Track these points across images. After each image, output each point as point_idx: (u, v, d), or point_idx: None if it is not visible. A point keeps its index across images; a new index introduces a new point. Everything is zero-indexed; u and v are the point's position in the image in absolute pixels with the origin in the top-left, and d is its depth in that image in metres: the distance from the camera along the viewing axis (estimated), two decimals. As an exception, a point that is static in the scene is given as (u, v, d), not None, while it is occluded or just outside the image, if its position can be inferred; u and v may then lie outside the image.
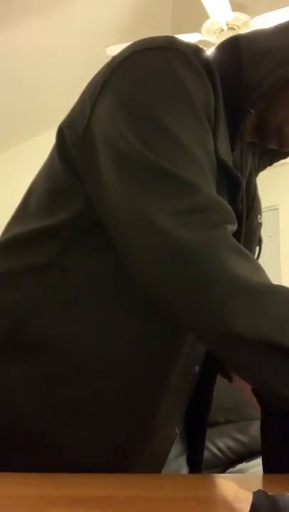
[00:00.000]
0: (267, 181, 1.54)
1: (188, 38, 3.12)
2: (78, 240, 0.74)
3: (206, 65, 0.73)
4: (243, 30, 3.17)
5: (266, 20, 3.03)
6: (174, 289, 0.63)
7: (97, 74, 0.76)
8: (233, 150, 0.79)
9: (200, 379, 0.86)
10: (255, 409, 0.83)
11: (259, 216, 0.91)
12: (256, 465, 1.37)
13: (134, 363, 0.74)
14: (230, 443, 1.50)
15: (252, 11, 3.20)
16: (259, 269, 0.65)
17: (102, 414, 0.73)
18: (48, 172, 0.79)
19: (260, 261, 0.73)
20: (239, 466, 1.45)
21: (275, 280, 0.67)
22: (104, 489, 0.63)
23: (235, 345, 0.61)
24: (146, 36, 0.76)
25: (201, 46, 0.76)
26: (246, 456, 1.48)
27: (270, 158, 0.93)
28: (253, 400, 0.82)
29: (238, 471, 1.42)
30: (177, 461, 0.91)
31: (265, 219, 0.95)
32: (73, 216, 0.73)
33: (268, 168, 0.96)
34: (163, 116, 0.68)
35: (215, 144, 0.72)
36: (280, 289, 0.63)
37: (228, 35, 3.11)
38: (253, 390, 0.81)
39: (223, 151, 0.73)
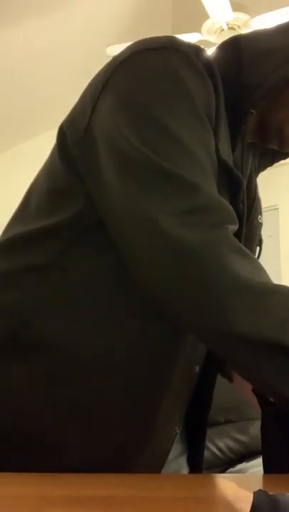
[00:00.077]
0: (267, 181, 1.54)
1: (188, 38, 3.12)
2: (78, 239, 0.74)
3: (207, 65, 0.73)
4: (243, 30, 3.18)
5: (266, 20, 3.03)
6: (175, 288, 0.63)
7: (98, 74, 0.76)
8: (233, 150, 0.79)
9: (200, 379, 0.86)
10: (255, 409, 0.83)
11: (259, 216, 0.91)
12: (256, 465, 1.38)
13: (134, 363, 0.74)
14: (231, 443, 1.50)
15: (252, 11, 3.20)
16: (260, 269, 0.65)
17: (102, 414, 0.73)
18: (48, 172, 0.79)
19: (261, 261, 0.73)
20: (239, 466, 1.45)
21: (275, 280, 0.67)
22: (104, 489, 0.63)
23: (236, 345, 0.61)
24: (147, 36, 0.76)
25: (201, 46, 0.76)
26: (246, 456, 1.48)
27: (270, 159, 0.93)
28: (253, 399, 0.82)
29: (238, 471, 1.42)
30: (177, 461, 0.91)
31: (265, 219, 0.95)
32: (73, 216, 0.73)
33: (268, 169, 0.96)
34: (164, 116, 0.68)
35: (216, 144, 0.72)
36: (281, 289, 0.62)
37: (228, 35, 3.11)
38: (254, 390, 0.81)
39: (224, 151, 0.73)
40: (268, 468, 0.78)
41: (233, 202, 0.74)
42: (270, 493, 0.48)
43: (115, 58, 0.75)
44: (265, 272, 0.66)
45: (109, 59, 0.76)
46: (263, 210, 0.94)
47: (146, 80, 0.71)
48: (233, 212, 0.68)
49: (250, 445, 1.48)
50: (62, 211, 0.74)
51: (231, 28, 3.22)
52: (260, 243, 0.92)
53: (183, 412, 0.85)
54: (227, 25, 3.22)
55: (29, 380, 0.72)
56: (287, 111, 0.81)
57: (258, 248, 0.92)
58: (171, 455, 0.84)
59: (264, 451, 0.80)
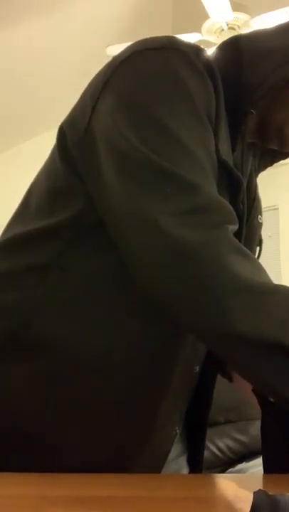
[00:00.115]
0: (267, 181, 1.54)
1: (188, 38, 3.12)
2: (78, 239, 0.74)
3: (207, 64, 0.73)
4: (243, 30, 3.18)
5: (266, 20, 3.03)
6: (175, 288, 0.63)
7: (98, 74, 0.76)
8: (234, 150, 0.79)
9: (200, 379, 0.86)
10: (255, 409, 0.83)
11: (259, 216, 0.91)
12: (256, 465, 1.38)
13: (134, 363, 0.74)
14: (230, 443, 1.50)
15: (252, 11, 3.20)
16: (260, 269, 0.65)
17: (102, 414, 0.73)
18: (48, 171, 0.79)
19: (261, 261, 0.73)
20: (239, 466, 1.46)
21: (275, 280, 0.67)
22: (104, 489, 0.63)
23: (236, 345, 0.61)
24: (147, 36, 0.76)
25: (201, 46, 0.76)
26: (246, 456, 1.48)
27: (270, 159, 0.93)
28: (253, 399, 0.82)
29: (238, 471, 1.42)
30: (177, 461, 0.91)
31: (265, 219, 0.95)
32: (73, 216, 0.73)
33: (268, 169, 0.96)
34: (164, 116, 0.68)
35: (216, 144, 0.72)
36: (281, 288, 0.62)
37: (228, 35, 3.11)
38: (254, 390, 0.81)
39: (224, 151, 0.73)
40: (268, 468, 0.78)
41: (233, 202, 0.74)
42: (270, 493, 0.48)
43: (115, 58, 0.75)
44: (265, 272, 0.66)
45: (109, 59, 0.76)
46: (263, 210, 0.94)
47: (146, 79, 0.71)
48: (233, 212, 0.68)
49: (250, 445, 1.49)
50: (62, 211, 0.74)
51: (231, 28, 3.22)
52: (260, 243, 0.92)
53: (183, 412, 0.85)
54: (227, 25, 3.22)
55: (29, 380, 0.72)
56: (287, 111, 0.81)
57: (258, 248, 0.92)
58: (171, 455, 0.84)
59: (264, 451, 0.80)
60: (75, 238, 0.74)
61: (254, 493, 0.48)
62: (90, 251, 0.74)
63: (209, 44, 3.09)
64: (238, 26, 3.23)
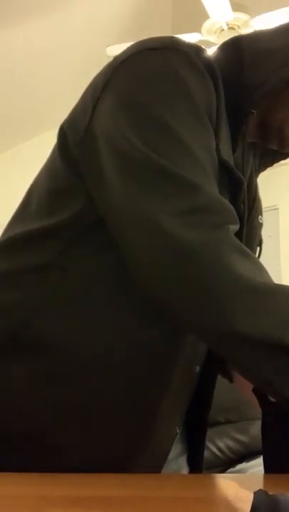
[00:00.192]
0: (267, 181, 1.54)
1: (188, 38, 3.12)
2: (78, 239, 0.74)
3: (208, 65, 0.73)
4: (243, 30, 3.18)
5: (266, 20, 3.03)
6: (175, 288, 0.63)
7: (99, 74, 0.76)
8: (234, 150, 0.79)
9: (200, 379, 0.86)
10: (255, 409, 0.83)
11: (260, 217, 0.91)
12: (256, 465, 1.38)
13: (134, 363, 0.74)
14: (231, 443, 1.50)
15: (252, 11, 3.20)
16: (261, 269, 0.65)
17: (102, 414, 0.73)
18: (49, 171, 0.79)
19: (260, 261, 0.73)
20: (239, 466, 1.46)
21: (275, 280, 0.67)
22: (104, 489, 0.63)
23: (237, 345, 0.61)
24: (146, 36, 0.76)
25: (202, 46, 0.76)
26: (246, 456, 1.48)
27: (270, 159, 0.93)
28: (253, 400, 0.82)
29: (238, 471, 1.43)
30: (177, 461, 0.91)
31: (265, 219, 0.95)
32: (74, 216, 0.73)
33: (268, 169, 0.96)
34: (164, 116, 0.68)
35: (217, 144, 0.72)
36: (282, 288, 0.62)
37: (228, 35, 3.11)
38: (254, 390, 0.81)
39: (224, 151, 0.73)
40: (268, 468, 0.78)
41: (234, 202, 0.74)
42: (271, 493, 0.48)
43: (116, 58, 0.75)
44: (266, 271, 0.66)
45: (109, 59, 0.76)
46: (263, 210, 0.94)
47: (146, 79, 0.71)
48: (234, 212, 0.68)
49: (250, 445, 1.49)
50: (63, 211, 0.74)
51: (231, 28, 3.22)
52: (260, 243, 0.92)
53: (183, 412, 0.85)
54: (227, 25, 3.22)
55: (29, 380, 0.72)
56: (287, 111, 0.81)
57: (258, 248, 0.92)
58: (171, 455, 0.84)
59: (264, 451, 0.80)
60: (75, 238, 0.74)
61: (254, 493, 0.48)
62: (90, 251, 0.74)
63: (209, 44, 3.09)
64: (238, 26, 3.23)
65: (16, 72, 4.29)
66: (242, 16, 3.20)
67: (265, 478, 0.75)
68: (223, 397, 0.98)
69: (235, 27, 3.22)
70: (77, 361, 0.72)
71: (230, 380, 0.92)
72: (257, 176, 0.93)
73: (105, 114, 0.71)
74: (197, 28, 3.29)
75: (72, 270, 0.74)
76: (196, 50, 0.74)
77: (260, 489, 0.49)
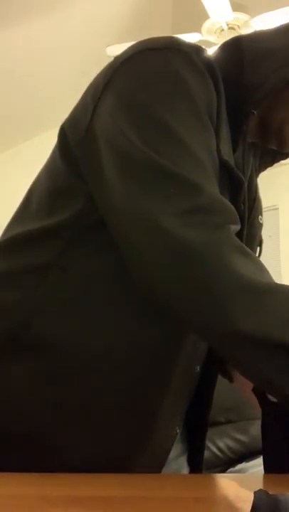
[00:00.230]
0: (267, 181, 1.54)
1: (188, 38, 3.12)
2: (78, 239, 0.74)
3: (208, 65, 0.73)
4: (243, 30, 3.18)
5: (266, 20, 3.03)
6: (175, 288, 0.63)
7: (99, 74, 0.76)
8: (235, 150, 0.79)
9: (201, 379, 0.86)
10: (255, 409, 0.83)
11: (260, 217, 0.91)
12: (256, 465, 1.38)
13: (134, 363, 0.74)
14: (231, 443, 1.50)
15: (252, 11, 3.20)
16: (262, 269, 0.65)
17: (102, 414, 0.73)
18: (49, 171, 0.79)
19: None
20: (239, 466, 1.46)
21: (275, 280, 0.67)
22: (104, 489, 0.63)
23: (238, 344, 0.61)
24: (146, 36, 0.76)
25: (202, 46, 0.76)
26: (246, 456, 1.48)
27: (271, 159, 0.93)
28: (253, 400, 0.82)
29: (238, 471, 1.43)
30: (178, 461, 0.91)
31: (265, 219, 0.95)
32: (74, 216, 0.73)
33: (268, 169, 0.96)
34: (164, 116, 0.68)
35: (217, 144, 0.72)
36: (283, 288, 0.62)
37: (228, 35, 3.11)
38: (253, 390, 0.81)
39: (225, 151, 0.73)
40: (268, 468, 0.78)
41: (234, 202, 0.74)
42: (271, 492, 0.48)
43: (116, 58, 0.75)
44: (267, 271, 0.66)
45: (110, 59, 0.76)
46: (263, 210, 0.94)
47: (147, 80, 0.71)
48: (236, 212, 0.68)
49: (250, 445, 1.49)
50: (63, 211, 0.74)
51: (231, 28, 3.22)
52: (260, 244, 0.92)
53: (183, 412, 0.85)
54: (227, 25, 3.21)
55: (29, 380, 0.72)
56: (287, 111, 0.81)
57: (258, 248, 0.92)
58: (172, 455, 0.84)
59: (264, 451, 0.80)
60: (75, 238, 0.74)
61: (254, 492, 0.48)
62: (90, 251, 0.74)
63: (209, 44, 3.09)
64: (238, 26, 3.23)
65: (16, 72, 4.29)
66: (242, 16, 3.20)
67: (265, 478, 0.75)
68: (223, 397, 0.98)
69: (235, 27, 3.22)
70: (77, 361, 0.72)
71: (231, 380, 0.92)
72: (257, 176, 0.93)
73: (106, 114, 0.71)
74: (197, 28, 3.29)
75: (72, 270, 0.74)
76: (197, 50, 0.74)
77: (261, 489, 0.49)
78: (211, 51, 0.82)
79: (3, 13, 3.67)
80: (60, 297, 0.74)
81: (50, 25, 3.85)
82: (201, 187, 0.65)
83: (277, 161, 0.95)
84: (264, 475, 0.76)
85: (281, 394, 0.62)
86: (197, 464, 0.93)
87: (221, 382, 0.93)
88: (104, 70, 0.76)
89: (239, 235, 0.71)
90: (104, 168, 0.70)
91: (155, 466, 0.81)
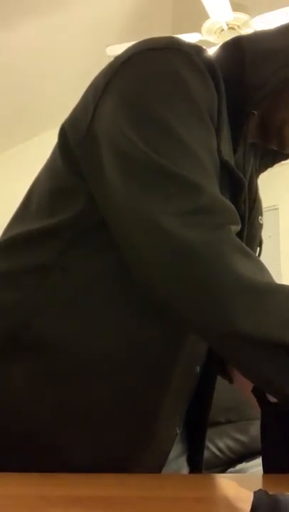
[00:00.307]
0: (267, 181, 1.54)
1: (188, 38, 3.12)
2: (79, 240, 0.74)
3: (209, 65, 0.73)
4: (243, 30, 3.18)
5: (266, 20, 3.03)
6: (176, 288, 0.63)
7: (100, 74, 0.76)
8: (235, 151, 0.79)
9: (200, 379, 0.86)
10: (255, 409, 0.83)
11: (260, 217, 0.91)
12: (256, 465, 1.38)
13: (134, 363, 0.74)
14: (231, 443, 1.50)
15: (252, 11, 3.20)
16: (263, 269, 0.65)
17: (102, 414, 0.73)
18: (49, 171, 0.79)
19: (261, 261, 0.73)
20: (239, 466, 1.46)
21: (275, 280, 0.67)
22: (104, 489, 0.63)
23: (238, 345, 0.61)
24: (146, 36, 0.76)
25: (202, 46, 0.76)
26: (246, 456, 1.48)
27: (271, 159, 0.94)
28: (253, 400, 0.82)
29: (238, 471, 1.43)
30: (177, 462, 0.91)
31: (265, 219, 0.95)
32: (74, 216, 0.73)
33: (268, 169, 0.96)
34: (165, 116, 0.68)
35: (218, 144, 0.72)
36: (283, 288, 0.62)
37: (228, 35, 3.11)
38: (253, 391, 0.81)
39: (225, 151, 0.73)
40: (268, 468, 0.78)
41: (235, 202, 0.74)
42: (271, 492, 0.48)
43: (117, 59, 0.75)
44: (267, 271, 0.66)
45: (110, 59, 0.76)
46: (263, 210, 0.94)
47: (147, 80, 0.71)
48: (236, 212, 0.68)
49: (250, 445, 1.49)
50: (63, 211, 0.74)
51: (231, 28, 3.22)
52: (260, 244, 0.92)
53: (183, 412, 0.85)
54: (227, 25, 3.22)
55: (29, 380, 0.72)
56: (287, 112, 0.81)
57: (258, 249, 0.92)
58: (172, 455, 0.84)
59: (264, 451, 0.80)
60: (76, 238, 0.74)
61: (254, 492, 0.48)
62: (90, 251, 0.74)
63: (209, 44, 3.09)
64: (238, 26, 3.23)
65: (16, 72, 4.29)
66: (242, 16, 3.20)
67: (265, 478, 0.75)
68: (223, 397, 0.98)
69: (235, 27, 3.23)
70: (77, 361, 0.72)
71: (230, 380, 0.92)
72: (257, 176, 0.93)
73: (106, 114, 0.71)
74: (197, 28, 3.29)
75: (72, 270, 0.74)
76: (197, 50, 0.74)
77: (260, 489, 0.49)
78: (211, 51, 0.82)
79: (3, 13, 3.67)
80: (60, 297, 0.74)
81: (51, 25, 3.85)
82: (201, 187, 0.65)
83: (278, 161, 0.95)
84: (264, 475, 0.76)
85: (281, 394, 0.62)
86: (197, 464, 0.93)
87: (221, 382, 0.93)
88: (104, 69, 0.76)
89: (239, 235, 0.71)
90: (104, 168, 0.70)
91: (155, 466, 0.81)
